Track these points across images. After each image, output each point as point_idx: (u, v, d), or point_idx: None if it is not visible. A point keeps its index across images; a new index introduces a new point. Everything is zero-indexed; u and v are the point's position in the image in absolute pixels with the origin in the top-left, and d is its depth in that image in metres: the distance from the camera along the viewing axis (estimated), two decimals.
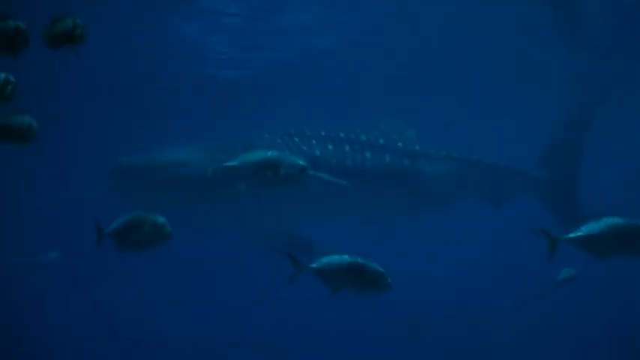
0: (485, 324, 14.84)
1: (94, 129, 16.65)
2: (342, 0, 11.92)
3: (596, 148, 12.48)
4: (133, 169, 9.70)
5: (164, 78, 14.93)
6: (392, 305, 13.42)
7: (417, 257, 18.40)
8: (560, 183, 11.04)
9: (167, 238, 5.95)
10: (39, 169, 16.95)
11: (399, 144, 10.51)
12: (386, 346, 14.72)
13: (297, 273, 5.65)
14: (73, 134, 16.65)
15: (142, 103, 16.32)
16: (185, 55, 13.94)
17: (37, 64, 8.23)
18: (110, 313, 15.40)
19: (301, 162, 6.43)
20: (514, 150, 12.39)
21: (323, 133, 10.16)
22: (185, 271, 16.31)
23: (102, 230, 5.89)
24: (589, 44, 13.19)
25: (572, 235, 5.38)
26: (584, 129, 11.38)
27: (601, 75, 14.76)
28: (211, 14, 12.09)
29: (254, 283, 15.59)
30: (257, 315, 15.52)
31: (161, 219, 5.94)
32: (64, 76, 13.60)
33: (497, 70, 14.87)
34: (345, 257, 5.62)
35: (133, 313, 15.24)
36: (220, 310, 15.64)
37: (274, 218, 10.20)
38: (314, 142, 10.03)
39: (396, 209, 10.58)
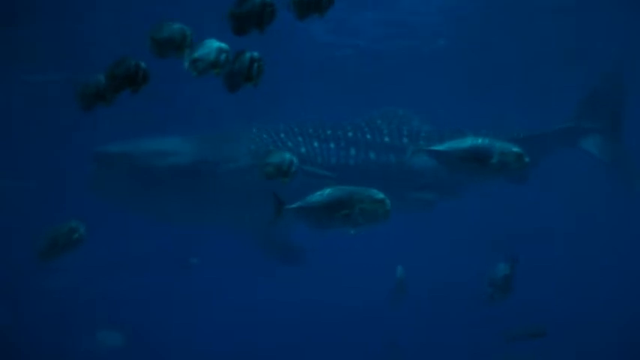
0: None
1: None
2: None
3: None
4: (116, 157, 9.48)
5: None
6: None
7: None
8: (605, 130, 10.82)
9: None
10: None
11: (387, 138, 10.30)
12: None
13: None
14: None
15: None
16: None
17: None
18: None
19: (515, 149, 6.01)
20: None
21: (311, 130, 10.03)
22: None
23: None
24: None
25: None
26: (621, 80, 11.10)
27: None
28: None
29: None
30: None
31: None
32: None
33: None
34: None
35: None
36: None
37: (261, 213, 9.81)
38: (300, 139, 9.89)
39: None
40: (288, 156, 6.07)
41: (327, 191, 5.41)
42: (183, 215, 10.04)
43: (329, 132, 10.09)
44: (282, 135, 9.86)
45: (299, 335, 15.75)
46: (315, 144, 9.91)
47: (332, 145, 9.96)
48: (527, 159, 5.96)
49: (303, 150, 9.77)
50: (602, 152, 10.82)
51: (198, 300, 17.55)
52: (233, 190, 9.58)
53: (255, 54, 4.70)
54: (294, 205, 5.46)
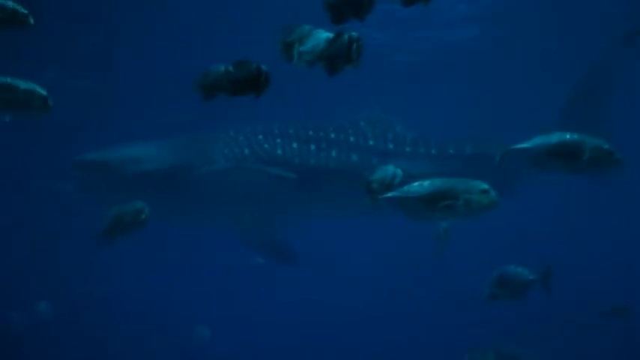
0: None
1: None
2: None
3: None
4: (93, 165, 9.80)
5: None
6: None
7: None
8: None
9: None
10: None
11: (371, 142, 10.28)
12: None
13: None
14: None
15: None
16: None
17: None
18: None
19: (607, 146, 5.59)
20: None
21: (291, 131, 10.05)
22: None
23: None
24: None
25: None
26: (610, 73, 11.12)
27: None
28: None
29: None
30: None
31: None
32: None
33: None
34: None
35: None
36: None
37: (239, 213, 10.31)
38: (279, 140, 9.92)
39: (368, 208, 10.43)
40: (391, 169, 5.99)
41: (427, 182, 5.31)
42: (168, 217, 10.13)
43: (310, 133, 10.12)
44: (260, 137, 9.95)
45: (299, 335, 15.72)
46: (294, 145, 9.95)
47: (312, 147, 10.00)
48: (619, 155, 5.56)
49: (279, 151, 9.86)
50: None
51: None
52: (207, 193, 9.79)
53: (354, 34, 4.46)
54: (389, 194, 5.39)
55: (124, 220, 6.70)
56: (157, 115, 14.46)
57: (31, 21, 5.25)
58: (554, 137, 5.58)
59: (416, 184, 5.32)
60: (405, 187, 5.38)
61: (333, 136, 10.13)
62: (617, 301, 10.93)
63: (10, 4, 5.21)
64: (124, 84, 13.95)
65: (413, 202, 5.27)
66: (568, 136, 5.56)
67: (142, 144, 9.98)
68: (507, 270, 7.11)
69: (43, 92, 5.49)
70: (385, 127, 10.44)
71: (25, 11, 5.27)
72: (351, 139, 10.19)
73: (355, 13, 4.45)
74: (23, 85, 5.46)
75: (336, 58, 4.47)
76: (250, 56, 4.63)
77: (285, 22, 4.57)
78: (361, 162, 9.97)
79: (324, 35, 4.51)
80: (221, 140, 9.87)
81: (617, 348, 13.77)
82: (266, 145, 9.85)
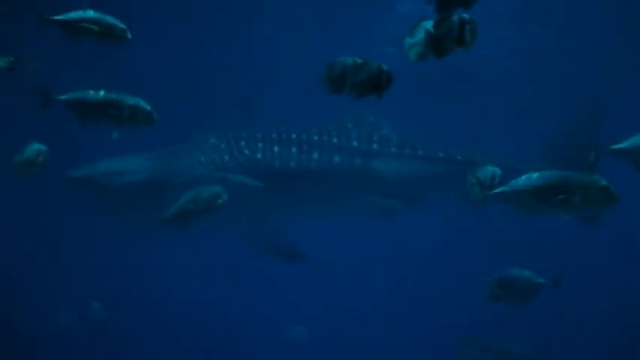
0: None
1: None
2: None
3: None
4: (80, 180, 10.23)
5: None
6: None
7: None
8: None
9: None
10: None
11: (354, 143, 10.35)
12: None
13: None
14: None
15: None
16: None
17: None
18: None
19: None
20: None
21: (274, 135, 10.23)
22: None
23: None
24: None
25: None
26: (593, 124, 10.81)
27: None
28: None
29: None
30: None
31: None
32: None
33: None
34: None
35: None
36: None
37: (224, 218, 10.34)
38: (260, 145, 10.15)
39: (355, 209, 10.56)
40: (490, 170, 6.00)
41: (536, 174, 5.17)
42: (154, 225, 10.53)
43: (294, 136, 10.26)
44: (243, 142, 10.20)
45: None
46: (276, 149, 10.12)
47: (294, 150, 10.14)
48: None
49: (259, 155, 10.08)
50: None
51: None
52: None
53: (466, 16, 4.34)
54: (498, 190, 5.27)
55: (198, 203, 6.78)
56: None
57: (129, 36, 5.33)
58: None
59: (524, 177, 5.17)
60: (514, 181, 5.22)
61: (316, 138, 10.27)
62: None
63: (110, 19, 5.30)
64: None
65: (523, 196, 5.12)
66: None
67: (126, 157, 10.36)
68: (511, 272, 7.05)
69: (147, 107, 5.63)
70: (372, 128, 10.57)
71: (124, 26, 5.37)
72: (334, 140, 10.29)
73: (462, 1, 4.37)
74: (130, 100, 5.57)
75: (444, 39, 4.33)
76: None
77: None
78: (343, 163, 10.09)
79: (429, 24, 4.38)
80: (198, 149, 10.18)
81: (617, 348, 13.83)
82: (246, 151, 10.10)
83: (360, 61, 4.56)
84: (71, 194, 10.66)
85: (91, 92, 5.58)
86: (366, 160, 10.24)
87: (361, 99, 4.61)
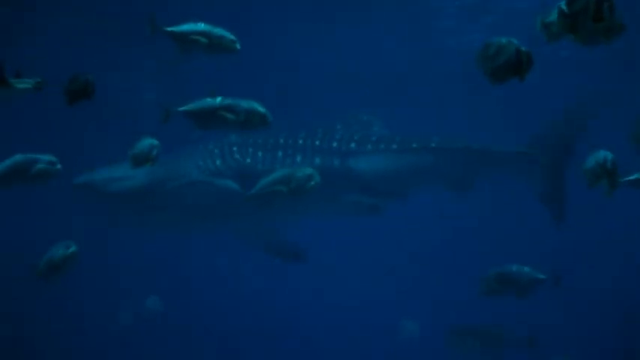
0: None
1: None
2: None
3: None
4: (81, 186, 10.48)
5: None
6: None
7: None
8: (550, 165, 10.55)
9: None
10: None
11: (334, 144, 10.43)
12: None
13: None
14: None
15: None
16: None
17: None
18: None
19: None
20: None
21: (260, 140, 10.37)
22: None
23: None
24: None
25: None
26: (583, 119, 10.80)
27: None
28: None
29: None
30: None
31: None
32: None
33: None
34: None
35: None
36: None
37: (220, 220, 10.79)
38: (250, 149, 10.31)
39: (338, 208, 10.58)
40: (602, 153, 5.56)
41: None
42: (159, 227, 11.09)
43: (281, 141, 10.38)
44: (235, 148, 10.36)
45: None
46: (260, 153, 10.28)
47: (279, 154, 10.27)
48: None
49: (248, 160, 10.24)
50: (542, 187, 10.58)
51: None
52: (187, 203, 10.37)
53: None
54: (632, 177, 5.05)
55: (290, 184, 6.80)
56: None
57: (238, 47, 5.46)
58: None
59: None
60: None
61: (300, 141, 10.38)
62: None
63: (219, 30, 5.48)
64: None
65: None
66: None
67: (125, 163, 10.39)
68: (510, 268, 7.08)
69: (262, 110, 5.79)
70: (361, 127, 10.66)
71: (233, 37, 5.50)
72: (317, 142, 10.39)
73: None
74: (244, 104, 5.75)
75: (580, 14, 4.12)
76: None
77: None
78: (323, 165, 10.13)
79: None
80: (196, 154, 10.37)
81: (617, 348, 13.87)
82: (237, 156, 10.27)
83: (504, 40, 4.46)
84: (74, 200, 10.89)
85: (209, 100, 5.82)
86: (344, 160, 10.32)
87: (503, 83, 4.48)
